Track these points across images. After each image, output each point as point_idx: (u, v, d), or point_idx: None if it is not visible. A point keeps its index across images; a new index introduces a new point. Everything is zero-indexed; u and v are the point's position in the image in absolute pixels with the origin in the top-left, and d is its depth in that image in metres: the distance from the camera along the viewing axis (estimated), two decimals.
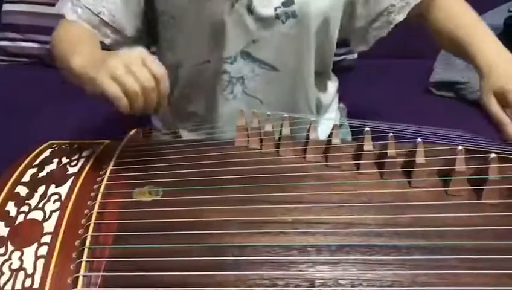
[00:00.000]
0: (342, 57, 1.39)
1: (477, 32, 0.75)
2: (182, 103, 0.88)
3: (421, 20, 0.85)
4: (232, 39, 0.78)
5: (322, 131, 0.93)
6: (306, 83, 0.86)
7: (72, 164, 0.68)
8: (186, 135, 0.89)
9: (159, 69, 0.59)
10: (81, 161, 0.68)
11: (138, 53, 0.60)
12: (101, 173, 0.66)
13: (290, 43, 0.80)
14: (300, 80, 0.85)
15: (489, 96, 0.66)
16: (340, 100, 1.03)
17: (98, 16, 0.78)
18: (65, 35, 0.76)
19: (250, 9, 0.76)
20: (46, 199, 0.62)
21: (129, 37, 0.82)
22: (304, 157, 0.67)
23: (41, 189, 0.64)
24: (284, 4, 0.76)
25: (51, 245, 0.56)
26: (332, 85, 0.97)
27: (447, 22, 0.79)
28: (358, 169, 0.64)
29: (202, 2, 0.75)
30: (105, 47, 0.79)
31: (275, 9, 0.76)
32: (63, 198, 0.62)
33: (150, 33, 0.86)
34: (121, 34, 0.81)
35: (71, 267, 0.54)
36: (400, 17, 0.83)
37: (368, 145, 0.64)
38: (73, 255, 0.55)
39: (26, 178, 0.66)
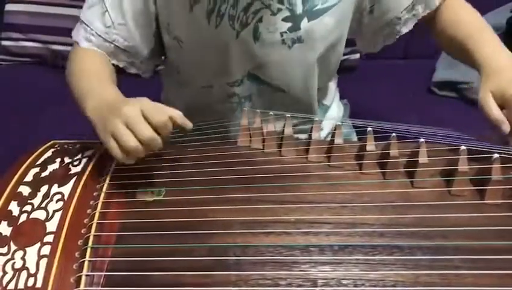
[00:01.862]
0: (345, 57, 1.39)
1: (483, 38, 0.73)
2: (190, 114, 0.88)
3: (427, 26, 0.84)
4: (238, 65, 0.78)
5: (325, 129, 0.93)
6: (311, 98, 0.86)
7: (75, 163, 0.68)
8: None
9: (160, 118, 0.60)
10: (84, 161, 0.68)
11: (139, 107, 0.60)
12: (103, 172, 0.66)
13: (296, 66, 0.79)
14: (306, 96, 0.85)
15: (488, 95, 0.64)
16: (342, 97, 1.03)
17: (112, 43, 0.78)
18: (79, 70, 0.76)
19: (256, 36, 0.75)
20: (49, 198, 0.62)
21: (144, 57, 0.82)
22: (306, 158, 0.67)
23: (44, 188, 0.64)
24: (290, 29, 0.75)
25: (53, 245, 0.56)
26: (332, 84, 0.97)
27: (454, 31, 0.78)
28: (360, 169, 0.64)
29: (208, 30, 0.75)
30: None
31: (281, 34, 0.75)
32: (65, 198, 0.62)
33: (163, 52, 0.87)
34: (136, 56, 0.81)
35: (74, 266, 0.54)
36: (405, 29, 0.82)
37: (371, 145, 0.64)
38: (76, 254, 0.55)
39: (28, 178, 0.66)
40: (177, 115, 0.62)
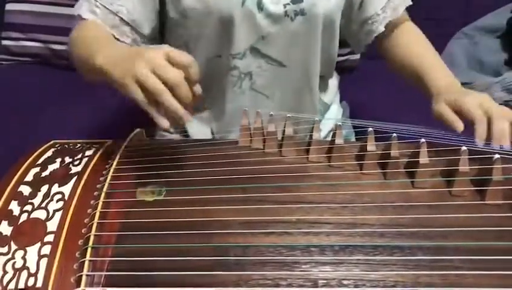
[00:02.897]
0: (345, 58, 1.40)
1: (428, 61, 0.81)
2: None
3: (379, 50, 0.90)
4: (241, 35, 0.79)
5: (324, 130, 0.93)
6: (311, 81, 0.87)
7: (75, 163, 0.68)
8: (194, 129, 0.90)
9: (185, 58, 0.58)
10: (84, 160, 0.68)
11: (161, 49, 0.59)
12: (104, 172, 0.66)
13: (297, 40, 0.81)
14: (306, 77, 0.86)
15: (442, 104, 0.70)
16: (342, 99, 1.03)
17: (116, 15, 0.77)
18: (84, 35, 0.75)
19: (260, 6, 0.77)
20: (49, 198, 0.62)
21: (146, 35, 0.82)
22: (307, 158, 0.67)
23: (45, 188, 0.64)
24: (293, 1, 0.77)
25: (54, 244, 0.56)
26: (334, 83, 0.98)
27: (406, 61, 0.85)
28: (361, 169, 0.64)
29: (213, 0, 0.76)
30: None
31: (284, 6, 0.77)
32: (66, 197, 0.62)
33: (162, 33, 0.87)
34: (139, 32, 0.81)
35: (74, 266, 0.54)
36: (382, 28, 0.86)
37: (371, 146, 0.64)
38: (77, 254, 0.55)
39: (29, 177, 0.66)
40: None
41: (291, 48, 0.82)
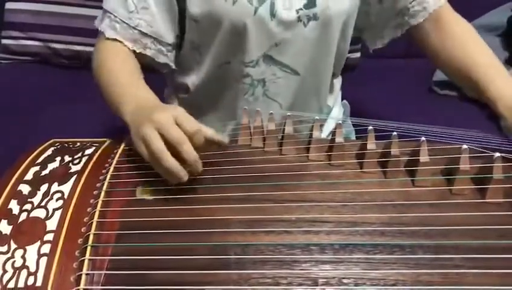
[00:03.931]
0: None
1: (491, 67, 0.76)
2: (198, 99, 0.88)
3: (420, 36, 0.86)
4: (255, 43, 0.78)
5: (326, 129, 0.93)
6: (323, 86, 0.87)
7: (75, 162, 0.68)
8: None
9: (191, 126, 0.59)
10: (84, 159, 0.68)
11: (172, 113, 0.60)
12: (103, 171, 0.66)
13: (311, 46, 0.80)
14: (318, 83, 0.86)
15: None
16: (343, 98, 1.03)
17: (135, 29, 0.78)
18: (109, 70, 0.76)
19: (272, 13, 0.76)
20: (49, 197, 0.62)
21: (170, 44, 0.82)
22: (307, 156, 0.66)
23: (44, 187, 0.63)
24: (305, 6, 0.76)
25: (53, 243, 0.56)
26: (337, 83, 0.97)
27: (456, 54, 0.80)
28: (361, 168, 0.64)
29: (225, 7, 0.75)
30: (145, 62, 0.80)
31: (297, 11, 0.76)
32: (65, 196, 0.62)
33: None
34: (162, 42, 0.81)
35: (74, 265, 0.54)
36: (414, 21, 0.83)
37: (372, 144, 0.64)
38: (76, 253, 0.55)
39: (28, 176, 0.66)
40: (212, 133, 0.62)
41: (304, 54, 0.81)
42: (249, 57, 0.79)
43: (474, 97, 0.74)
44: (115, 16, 0.78)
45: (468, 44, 0.81)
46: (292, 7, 0.76)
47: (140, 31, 0.78)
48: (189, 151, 0.58)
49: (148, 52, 0.80)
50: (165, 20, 0.80)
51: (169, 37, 0.81)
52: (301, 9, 0.76)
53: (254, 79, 0.82)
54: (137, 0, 0.77)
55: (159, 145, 0.58)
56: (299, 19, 0.77)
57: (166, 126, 0.58)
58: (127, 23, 0.77)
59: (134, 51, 0.79)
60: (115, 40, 0.78)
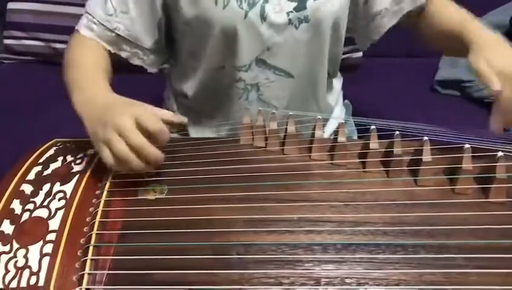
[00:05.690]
0: (347, 56, 1.39)
1: (470, 22, 0.75)
2: (197, 103, 0.89)
3: (411, 24, 0.86)
4: (246, 48, 0.78)
5: (328, 129, 0.93)
6: (319, 87, 0.87)
7: (77, 162, 0.68)
8: (194, 133, 0.90)
9: (153, 125, 0.59)
10: (86, 159, 0.68)
11: (133, 116, 0.60)
12: (106, 171, 0.65)
13: (303, 48, 0.80)
14: (313, 85, 0.86)
15: (478, 58, 0.65)
16: (345, 98, 1.03)
17: (113, 32, 0.78)
18: (76, 63, 0.76)
19: (263, 17, 0.76)
20: (51, 196, 0.62)
21: (147, 48, 0.82)
22: (309, 156, 0.66)
23: (46, 187, 0.64)
24: (296, 9, 0.76)
25: (56, 243, 0.56)
26: (338, 83, 0.97)
27: (441, 21, 0.80)
28: (364, 167, 0.64)
29: (216, 12, 0.75)
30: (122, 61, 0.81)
31: (288, 14, 0.76)
32: (68, 196, 0.62)
33: (168, 43, 0.86)
34: (138, 46, 0.81)
35: (76, 265, 0.54)
36: (392, 22, 0.84)
37: (374, 144, 0.64)
38: (79, 253, 0.55)
39: (31, 176, 0.66)
40: (170, 115, 0.64)
41: (297, 57, 0.80)
42: (241, 61, 0.79)
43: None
44: (93, 17, 0.78)
45: (442, 8, 0.82)
46: (283, 10, 0.76)
47: (117, 34, 0.78)
48: (150, 154, 0.59)
49: (123, 54, 0.80)
50: (144, 25, 0.80)
51: (147, 41, 0.81)
52: (292, 12, 0.76)
53: (247, 84, 0.82)
54: (117, 4, 0.77)
55: (123, 149, 0.58)
56: (290, 22, 0.77)
57: (126, 133, 0.58)
58: (104, 26, 0.78)
59: (109, 51, 0.79)
60: (90, 39, 0.78)
